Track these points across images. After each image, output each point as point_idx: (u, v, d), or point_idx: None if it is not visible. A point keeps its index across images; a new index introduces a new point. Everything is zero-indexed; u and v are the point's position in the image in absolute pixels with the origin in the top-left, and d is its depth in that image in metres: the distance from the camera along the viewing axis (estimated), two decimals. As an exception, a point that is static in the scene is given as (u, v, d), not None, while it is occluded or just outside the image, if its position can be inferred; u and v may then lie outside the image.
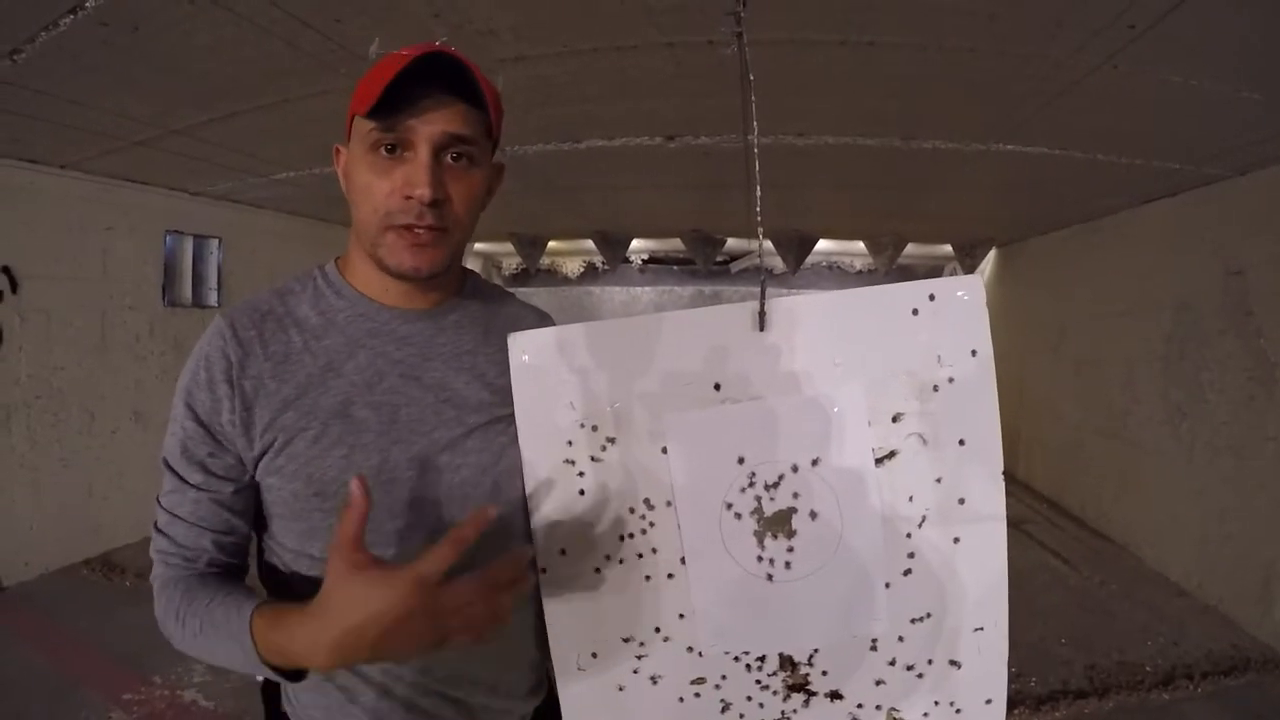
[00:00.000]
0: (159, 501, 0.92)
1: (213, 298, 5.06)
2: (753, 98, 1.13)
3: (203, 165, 3.90)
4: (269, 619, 0.80)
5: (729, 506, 0.95)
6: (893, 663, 0.98)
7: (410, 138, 0.86)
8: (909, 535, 0.95)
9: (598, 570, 0.99)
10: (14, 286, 3.79)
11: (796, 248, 6.53)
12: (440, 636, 0.75)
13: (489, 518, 0.80)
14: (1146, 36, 2.09)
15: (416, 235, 0.88)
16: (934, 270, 8.00)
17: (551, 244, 7.48)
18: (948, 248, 7.06)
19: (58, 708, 2.79)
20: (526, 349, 0.98)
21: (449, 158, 0.89)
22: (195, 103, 2.88)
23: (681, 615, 0.98)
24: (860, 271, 8.48)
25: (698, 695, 1.00)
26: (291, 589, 0.93)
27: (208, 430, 0.89)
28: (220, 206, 4.99)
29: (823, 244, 6.97)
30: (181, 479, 0.90)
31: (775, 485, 0.95)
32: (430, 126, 0.86)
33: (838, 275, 8.55)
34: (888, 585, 0.96)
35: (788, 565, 0.95)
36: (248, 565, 0.97)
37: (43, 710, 2.78)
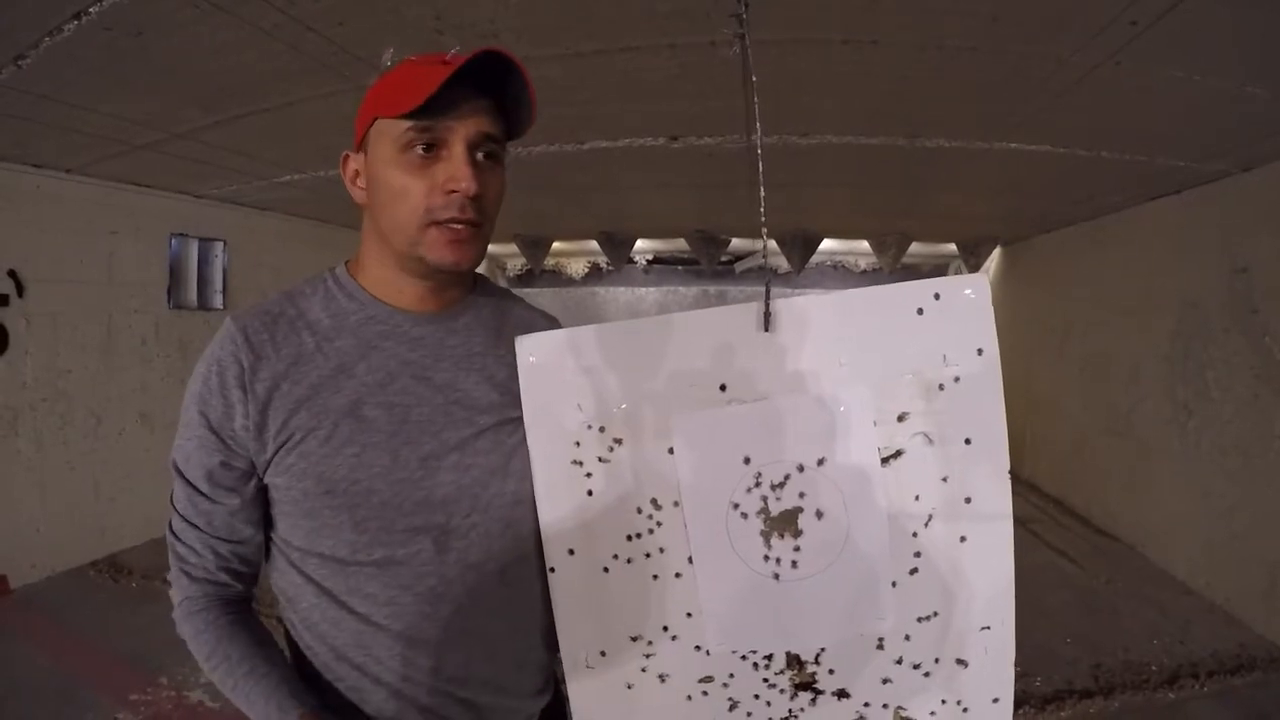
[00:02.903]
0: (173, 505, 0.93)
1: (218, 300, 5.06)
2: (755, 98, 1.13)
3: (207, 168, 3.91)
4: None
5: (735, 506, 0.96)
6: (899, 661, 0.98)
7: (447, 136, 0.88)
8: (915, 534, 0.95)
9: (606, 570, 0.99)
10: (20, 290, 3.80)
11: (801, 247, 6.51)
12: None
13: None
14: (1148, 33, 2.08)
15: (457, 231, 0.90)
16: (938, 269, 7.98)
17: (556, 245, 7.47)
18: (952, 246, 7.04)
19: (64, 709, 2.80)
20: (534, 351, 0.99)
21: (480, 155, 0.91)
22: (199, 106, 2.89)
23: (689, 614, 0.99)
24: (865, 271, 8.45)
25: (705, 694, 1.01)
26: (299, 588, 0.94)
27: (219, 437, 0.89)
28: (225, 209, 5.00)
29: (827, 243, 6.96)
30: (194, 488, 0.91)
31: (781, 485, 0.95)
32: (467, 126, 0.88)
33: (842, 275, 8.52)
34: (894, 584, 0.96)
35: (794, 564, 0.96)
36: (259, 570, 0.98)
37: (49, 711, 2.79)
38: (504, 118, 0.94)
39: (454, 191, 0.88)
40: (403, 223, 0.90)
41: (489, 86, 0.90)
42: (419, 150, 0.88)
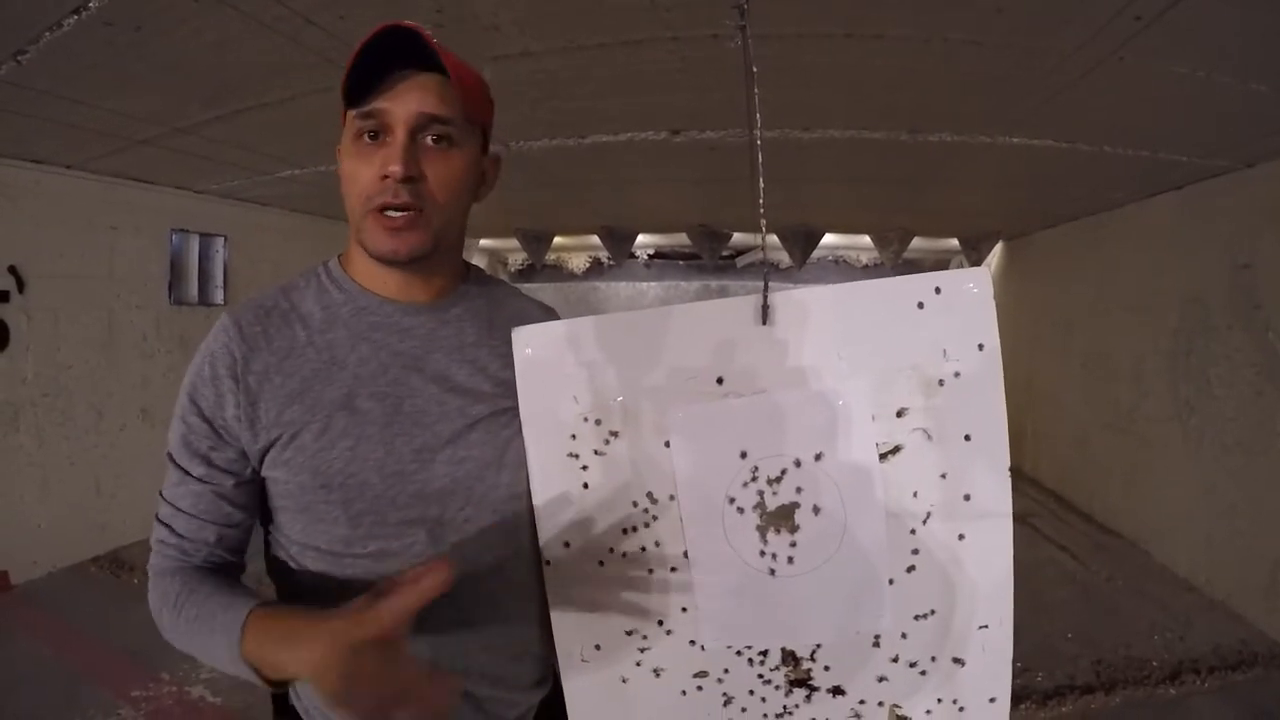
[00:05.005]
0: (161, 494, 0.93)
1: (219, 295, 5.07)
2: (756, 90, 1.13)
3: (208, 163, 3.91)
4: (265, 621, 0.79)
5: (731, 500, 0.95)
6: (896, 659, 0.97)
7: (388, 121, 0.87)
8: (913, 531, 0.94)
9: (601, 563, 0.99)
10: (21, 286, 3.80)
11: (802, 242, 6.50)
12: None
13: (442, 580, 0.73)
14: (1153, 28, 2.07)
15: (392, 219, 0.89)
16: (940, 264, 7.97)
17: (557, 239, 7.46)
18: (954, 241, 7.03)
19: (66, 704, 2.81)
20: (530, 342, 0.98)
21: (428, 139, 0.90)
22: (199, 101, 2.89)
23: (684, 609, 0.98)
24: (866, 265, 8.46)
25: (700, 689, 1.00)
26: (297, 581, 0.94)
27: (210, 425, 0.90)
28: (226, 204, 5.01)
29: (828, 238, 6.95)
30: (184, 471, 0.90)
31: (778, 479, 0.94)
32: (404, 108, 0.87)
33: (843, 269, 8.52)
34: (891, 581, 0.95)
35: (790, 560, 0.95)
36: (245, 563, 0.97)
37: (51, 707, 2.80)
38: (462, 97, 0.91)
39: (386, 176, 0.87)
40: (352, 210, 0.91)
41: (434, 64, 0.88)
42: (366, 138, 0.89)
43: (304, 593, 0.93)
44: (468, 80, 0.92)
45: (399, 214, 0.89)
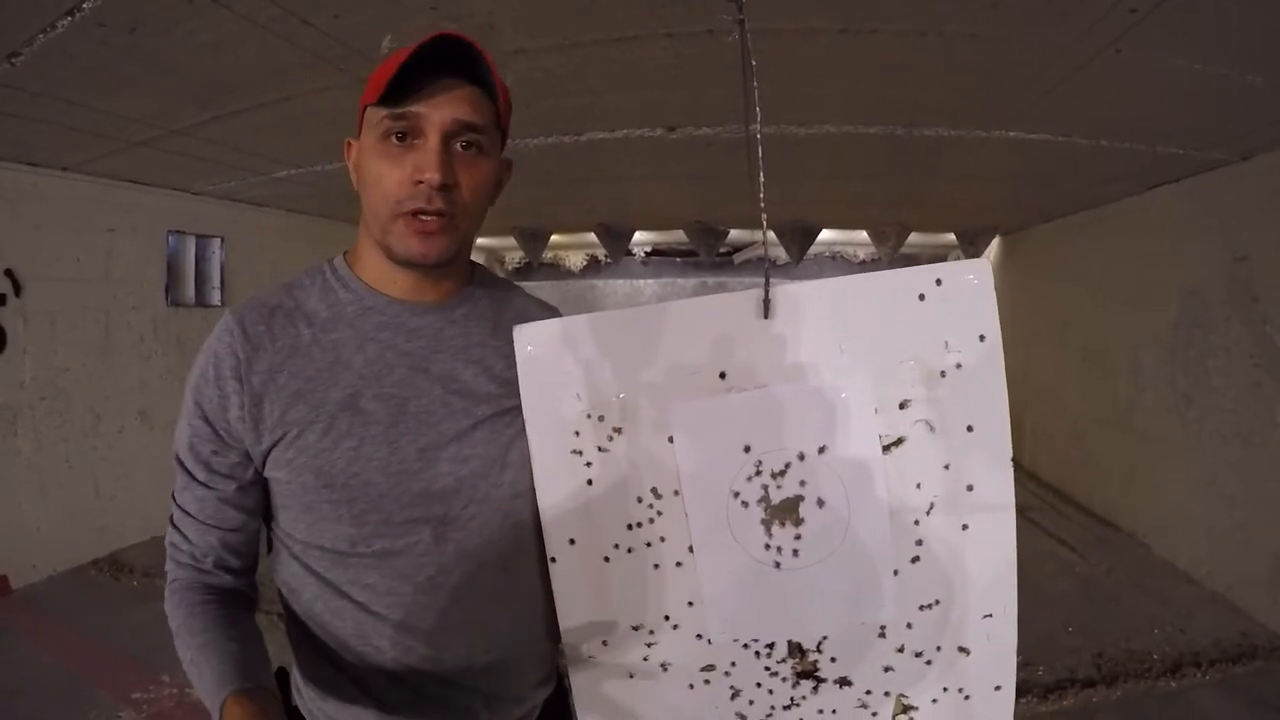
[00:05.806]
0: (173, 497, 0.93)
1: (216, 297, 5.06)
2: (755, 85, 1.13)
3: (204, 164, 3.89)
4: (235, 712, 0.78)
5: (736, 495, 0.95)
6: (901, 650, 0.98)
7: (421, 125, 0.87)
8: (917, 523, 0.94)
9: (607, 559, 0.99)
10: (17, 289, 3.79)
11: (799, 238, 6.50)
12: None
13: None
14: (1148, 20, 2.07)
15: (424, 223, 0.88)
16: (937, 259, 7.94)
17: (554, 237, 7.47)
18: (951, 236, 7.03)
19: (67, 707, 2.80)
20: (532, 341, 0.98)
21: (459, 145, 0.89)
22: (195, 102, 2.88)
23: (690, 603, 0.98)
24: (864, 261, 8.45)
25: (707, 682, 1.00)
26: (302, 581, 0.94)
27: (213, 428, 0.90)
28: (222, 205, 4.99)
29: (826, 234, 6.94)
30: (190, 475, 0.91)
31: (782, 473, 0.94)
32: (440, 113, 0.87)
33: (841, 265, 8.51)
34: (896, 573, 0.95)
35: (795, 553, 0.95)
36: (256, 564, 0.98)
37: (52, 710, 2.79)
38: (490, 105, 0.92)
39: (421, 182, 0.87)
40: (377, 211, 0.90)
41: (471, 73, 0.89)
42: (394, 139, 0.88)
43: (310, 592, 0.94)
44: (503, 89, 0.92)
45: (431, 219, 0.88)
